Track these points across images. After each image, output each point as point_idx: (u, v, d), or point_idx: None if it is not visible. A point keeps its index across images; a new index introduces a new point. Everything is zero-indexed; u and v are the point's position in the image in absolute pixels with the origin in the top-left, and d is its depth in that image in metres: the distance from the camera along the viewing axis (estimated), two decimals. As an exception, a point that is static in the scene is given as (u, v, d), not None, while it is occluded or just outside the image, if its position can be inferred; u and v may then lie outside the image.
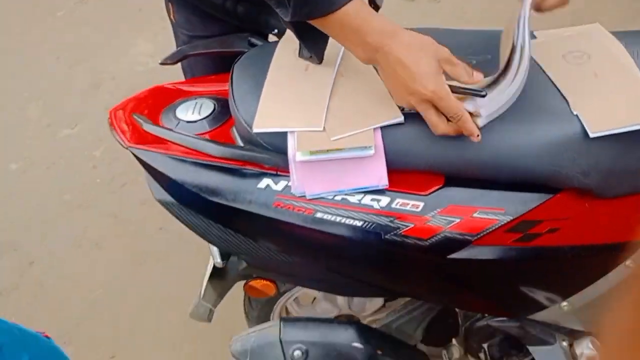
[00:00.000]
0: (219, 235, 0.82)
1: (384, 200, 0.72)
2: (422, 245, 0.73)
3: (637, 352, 0.29)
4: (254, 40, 0.92)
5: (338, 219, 0.73)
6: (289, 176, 0.73)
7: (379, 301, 1.23)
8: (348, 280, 0.88)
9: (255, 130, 0.72)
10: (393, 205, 0.72)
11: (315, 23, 0.68)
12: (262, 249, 0.83)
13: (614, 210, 0.75)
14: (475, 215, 0.71)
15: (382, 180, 0.71)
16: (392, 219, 0.72)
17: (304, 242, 0.78)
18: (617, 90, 0.69)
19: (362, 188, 0.72)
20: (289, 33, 0.84)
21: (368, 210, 0.72)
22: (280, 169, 0.74)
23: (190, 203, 0.79)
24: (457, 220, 0.71)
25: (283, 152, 0.72)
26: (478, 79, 0.66)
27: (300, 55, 0.77)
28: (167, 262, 1.81)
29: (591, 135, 0.66)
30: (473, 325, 1.01)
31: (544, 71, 0.74)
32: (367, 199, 0.72)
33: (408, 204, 0.72)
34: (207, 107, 0.84)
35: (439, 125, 0.66)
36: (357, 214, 0.72)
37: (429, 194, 0.72)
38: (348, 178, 0.71)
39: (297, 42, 0.77)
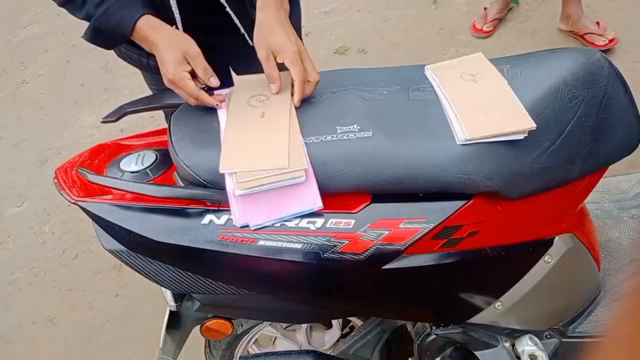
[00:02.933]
0: (170, 277, 0.86)
1: (319, 221, 0.79)
2: (358, 260, 0.79)
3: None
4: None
5: (279, 244, 0.79)
6: (229, 210, 0.78)
7: (336, 333, 1.27)
8: (299, 306, 0.92)
9: (222, 170, 0.76)
10: (328, 225, 0.78)
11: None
12: (212, 285, 0.87)
13: (523, 210, 0.84)
14: (401, 226, 0.79)
15: (317, 203, 0.77)
16: (328, 237, 0.78)
17: (250, 272, 0.83)
18: (494, 106, 0.80)
19: (299, 212, 0.78)
20: (237, 83, 0.92)
21: (306, 232, 0.78)
22: (222, 204, 0.79)
23: (139, 248, 0.83)
24: (386, 233, 0.79)
25: (222, 188, 0.78)
26: (214, 81, 0.88)
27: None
28: (126, 329, 1.78)
29: (458, 142, 0.76)
30: (424, 341, 1.06)
31: (443, 92, 0.84)
32: (303, 222, 0.79)
33: (341, 222, 0.78)
34: (149, 157, 0.89)
35: (189, 99, 0.88)
36: (296, 237, 0.78)
37: (359, 211, 0.79)
38: (286, 205, 0.78)
39: (248, 91, 0.89)
